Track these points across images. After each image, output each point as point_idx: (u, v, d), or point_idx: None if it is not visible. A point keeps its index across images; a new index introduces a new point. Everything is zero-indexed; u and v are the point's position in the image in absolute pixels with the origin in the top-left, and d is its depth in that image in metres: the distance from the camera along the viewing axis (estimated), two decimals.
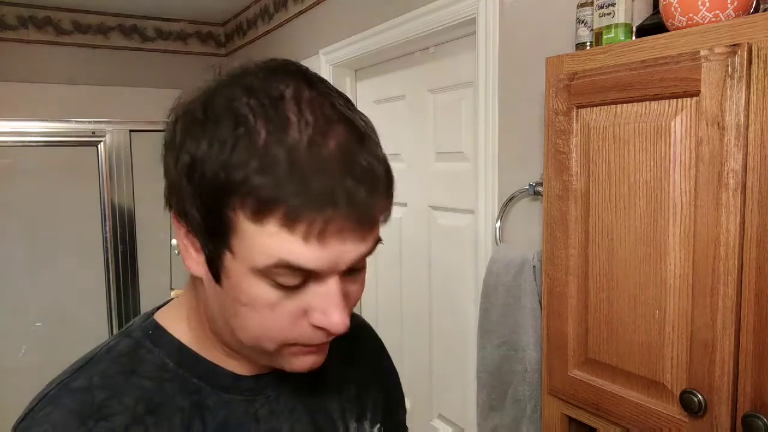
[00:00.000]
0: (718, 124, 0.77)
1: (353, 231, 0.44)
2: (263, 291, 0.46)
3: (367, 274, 0.52)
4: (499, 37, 1.44)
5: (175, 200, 0.47)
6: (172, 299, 0.59)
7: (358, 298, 0.51)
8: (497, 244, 1.46)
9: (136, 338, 0.54)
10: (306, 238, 0.43)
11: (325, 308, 0.47)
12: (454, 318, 1.80)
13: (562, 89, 0.98)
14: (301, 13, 2.49)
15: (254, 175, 0.41)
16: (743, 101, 0.75)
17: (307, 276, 0.45)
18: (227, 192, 0.42)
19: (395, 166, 0.47)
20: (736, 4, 0.83)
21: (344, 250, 0.45)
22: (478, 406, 1.45)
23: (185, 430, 0.51)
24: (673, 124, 0.83)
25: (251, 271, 0.45)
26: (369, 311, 2.27)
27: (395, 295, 2.12)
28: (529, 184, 1.34)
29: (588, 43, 1.09)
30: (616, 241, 0.92)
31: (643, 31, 0.97)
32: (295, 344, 0.50)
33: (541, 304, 1.19)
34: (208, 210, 0.44)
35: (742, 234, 0.76)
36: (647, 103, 0.86)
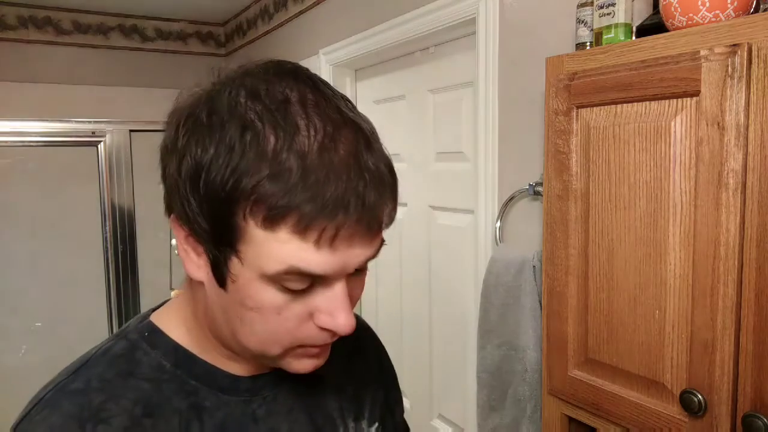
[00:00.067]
0: (718, 124, 0.77)
1: (362, 235, 0.44)
2: (270, 295, 0.46)
3: (367, 274, 0.52)
4: (499, 37, 1.44)
5: (176, 205, 0.47)
6: (167, 300, 0.59)
7: (359, 298, 0.52)
8: (497, 244, 1.46)
9: (133, 340, 0.54)
10: (318, 244, 0.43)
11: (331, 311, 0.47)
12: (454, 318, 1.80)
13: (562, 89, 0.98)
14: (301, 13, 2.49)
15: (265, 182, 0.41)
16: (743, 101, 0.75)
17: (315, 280, 0.46)
18: (237, 199, 0.42)
19: (395, 167, 0.48)
20: (736, 4, 0.83)
21: (353, 254, 0.45)
22: (478, 406, 1.45)
23: (183, 431, 0.51)
24: (673, 124, 0.83)
25: (260, 277, 0.45)
26: (369, 311, 2.27)
27: (395, 295, 2.12)
28: (529, 184, 1.34)
29: (588, 43, 1.09)
30: (616, 241, 0.92)
31: (643, 31, 0.97)
32: (299, 346, 0.50)
33: (541, 304, 1.19)
34: (215, 216, 0.44)
35: (742, 234, 0.76)
36: (647, 103, 0.86)
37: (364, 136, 0.45)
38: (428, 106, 1.88)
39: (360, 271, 0.49)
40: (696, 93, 0.79)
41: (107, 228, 2.13)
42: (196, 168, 0.43)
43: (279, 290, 0.45)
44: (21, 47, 2.94)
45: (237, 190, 0.42)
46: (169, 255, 2.15)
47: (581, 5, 1.10)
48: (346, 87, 2.27)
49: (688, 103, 0.81)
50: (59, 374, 0.52)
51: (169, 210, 0.49)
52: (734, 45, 0.75)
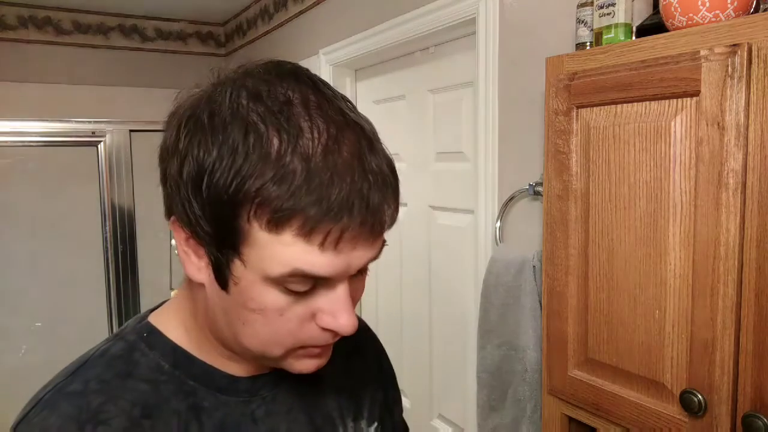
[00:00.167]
0: (718, 124, 0.77)
1: (366, 237, 0.45)
2: (273, 297, 0.46)
3: (367, 275, 0.52)
4: (499, 37, 1.44)
5: (177, 208, 0.46)
6: (165, 301, 0.59)
7: (360, 298, 0.52)
8: (497, 244, 1.46)
9: (131, 341, 0.54)
10: (322, 247, 0.43)
11: (334, 311, 0.47)
12: (454, 318, 1.80)
13: (562, 89, 0.98)
14: (301, 13, 2.49)
15: (270, 184, 0.41)
16: (743, 101, 0.75)
17: (317, 281, 0.46)
18: (240, 201, 0.42)
19: (395, 167, 0.48)
20: (736, 4, 0.83)
21: (356, 255, 0.45)
22: (478, 406, 1.45)
23: None
24: (673, 124, 0.83)
25: (263, 279, 0.45)
26: (369, 311, 2.27)
27: (395, 295, 2.12)
28: (529, 184, 1.34)
29: (588, 43, 1.09)
30: (616, 241, 0.92)
31: (643, 31, 0.97)
32: (301, 347, 0.50)
33: (541, 304, 1.19)
34: (218, 219, 0.43)
35: (742, 234, 0.76)
36: (647, 103, 0.86)
37: (366, 138, 0.45)
38: (428, 106, 1.88)
39: (361, 271, 0.49)
40: (696, 93, 0.79)
41: (107, 228, 2.13)
42: (198, 170, 0.43)
43: (282, 292, 0.45)
44: (21, 47, 2.94)
45: (241, 193, 0.42)
46: (169, 255, 2.15)
47: (581, 5, 1.10)
48: (346, 87, 2.27)
49: (688, 103, 0.81)
50: (57, 375, 0.52)
51: (169, 212, 0.49)
52: (734, 45, 0.75)
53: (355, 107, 0.48)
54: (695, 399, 0.82)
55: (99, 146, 2.11)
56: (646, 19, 1.02)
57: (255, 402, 0.56)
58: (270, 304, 0.46)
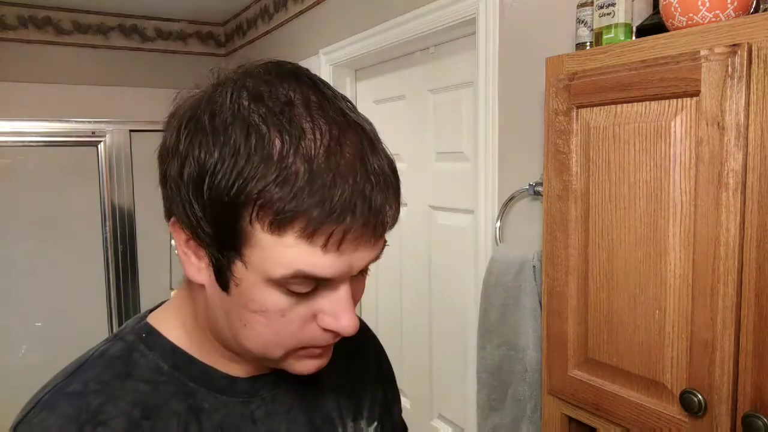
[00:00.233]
0: (718, 124, 0.77)
1: (368, 238, 0.45)
2: (275, 299, 0.46)
3: (368, 275, 0.52)
4: (499, 37, 1.44)
5: (178, 209, 0.46)
6: (164, 302, 0.59)
7: (361, 297, 0.52)
8: (497, 244, 1.46)
9: (130, 341, 0.54)
10: (325, 248, 0.43)
11: (335, 312, 0.47)
12: (454, 318, 1.80)
13: (562, 89, 0.98)
14: (301, 13, 2.49)
15: (272, 186, 0.41)
16: (743, 101, 0.75)
17: (319, 282, 0.46)
18: (242, 203, 0.42)
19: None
20: (736, 4, 0.83)
21: (358, 256, 0.45)
22: (478, 406, 1.45)
23: None
24: (673, 124, 0.83)
25: (265, 280, 0.45)
26: (369, 311, 2.27)
27: (395, 295, 2.12)
28: (529, 184, 1.34)
29: (588, 43, 1.09)
30: (616, 241, 0.92)
31: (643, 31, 0.97)
32: (302, 348, 0.50)
33: (541, 304, 1.19)
34: (220, 220, 0.43)
35: (742, 234, 0.76)
36: (647, 103, 0.86)
37: (368, 138, 0.45)
38: (428, 106, 1.88)
39: (362, 272, 0.49)
40: (696, 93, 0.79)
41: (107, 228, 2.13)
42: (199, 171, 0.43)
43: (283, 293, 0.45)
44: (21, 47, 2.94)
45: (243, 195, 0.42)
46: (169, 255, 2.15)
47: (581, 5, 1.10)
48: (346, 87, 2.27)
49: (688, 103, 0.81)
50: (56, 376, 0.52)
51: (169, 213, 0.48)
52: (734, 45, 0.75)
53: (355, 107, 0.48)
54: (695, 399, 0.82)
55: (99, 146, 2.11)
56: (646, 19, 1.02)
57: (254, 403, 0.56)
58: (271, 305, 0.46)
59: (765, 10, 0.85)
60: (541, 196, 1.13)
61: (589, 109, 0.95)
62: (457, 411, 1.83)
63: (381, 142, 0.47)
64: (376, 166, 0.44)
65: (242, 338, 0.49)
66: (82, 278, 2.19)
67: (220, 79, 0.48)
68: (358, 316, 0.49)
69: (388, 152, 0.47)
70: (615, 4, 1.00)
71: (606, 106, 0.92)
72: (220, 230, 0.44)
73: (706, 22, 0.84)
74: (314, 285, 0.46)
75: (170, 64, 3.32)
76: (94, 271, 2.16)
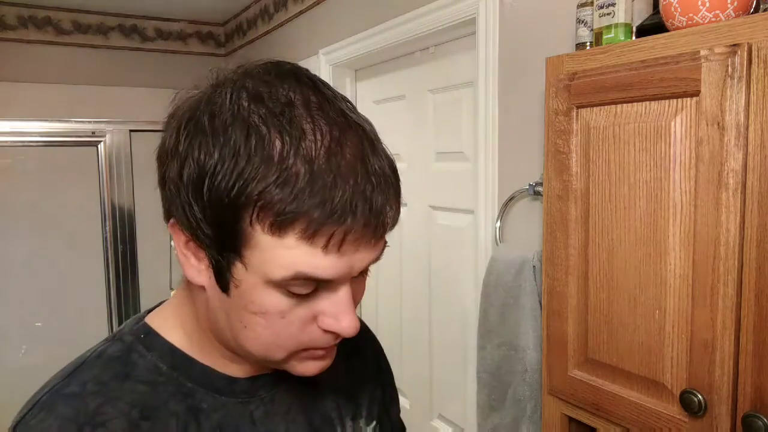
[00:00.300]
0: (718, 124, 0.77)
1: (368, 239, 0.45)
2: (275, 300, 0.46)
3: (368, 275, 0.52)
4: (499, 37, 1.44)
5: (177, 210, 0.46)
6: (162, 302, 0.59)
7: (361, 298, 0.52)
8: (497, 244, 1.46)
9: (128, 342, 0.53)
10: (326, 249, 0.43)
11: (336, 314, 0.47)
12: (454, 318, 1.80)
13: (562, 89, 0.98)
14: (301, 13, 2.49)
15: (272, 187, 0.41)
16: (743, 101, 0.75)
17: (320, 283, 0.46)
18: (243, 204, 0.42)
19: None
20: (736, 4, 0.83)
21: (359, 258, 0.45)
22: (478, 406, 1.45)
23: None
24: (673, 124, 0.83)
25: (265, 282, 0.44)
26: (369, 311, 2.27)
27: (395, 295, 2.12)
28: (529, 184, 1.34)
29: (588, 43, 1.09)
30: (616, 241, 0.92)
31: (643, 31, 0.97)
32: (303, 350, 0.50)
33: (541, 304, 1.19)
34: (220, 222, 0.43)
35: (742, 234, 0.76)
36: (647, 103, 0.86)
37: (368, 139, 0.45)
38: (428, 106, 1.88)
39: (362, 273, 0.49)
40: (696, 93, 0.79)
41: (107, 228, 2.13)
42: (199, 173, 0.43)
43: (284, 294, 0.45)
44: (21, 47, 2.94)
45: (243, 196, 0.41)
46: (169, 255, 2.15)
47: (581, 5, 1.10)
48: (346, 87, 2.27)
49: (688, 103, 0.81)
50: (53, 377, 0.52)
51: (168, 215, 0.48)
52: (734, 45, 0.75)
53: (355, 108, 0.48)
54: (695, 399, 0.82)
55: (99, 146, 2.11)
56: (646, 19, 1.02)
57: (253, 403, 0.56)
58: (271, 306, 0.46)
59: (765, 10, 0.85)
60: (541, 196, 1.13)
61: (589, 109, 0.95)
62: (457, 411, 1.83)
63: (381, 143, 0.47)
64: (376, 166, 0.44)
65: (242, 340, 0.49)
66: (82, 278, 2.19)
67: (219, 79, 0.47)
68: (357, 317, 0.49)
69: (389, 153, 0.47)
70: (615, 4, 1.00)
71: (606, 106, 0.92)
72: (220, 232, 0.44)
73: (706, 22, 0.84)
74: (315, 286, 0.45)
75: (170, 64, 3.32)
76: (94, 271, 2.16)
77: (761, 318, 0.75)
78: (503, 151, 1.46)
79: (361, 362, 0.69)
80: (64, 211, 2.18)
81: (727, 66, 0.76)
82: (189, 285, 0.53)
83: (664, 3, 0.88)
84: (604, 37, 1.02)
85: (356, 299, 0.50)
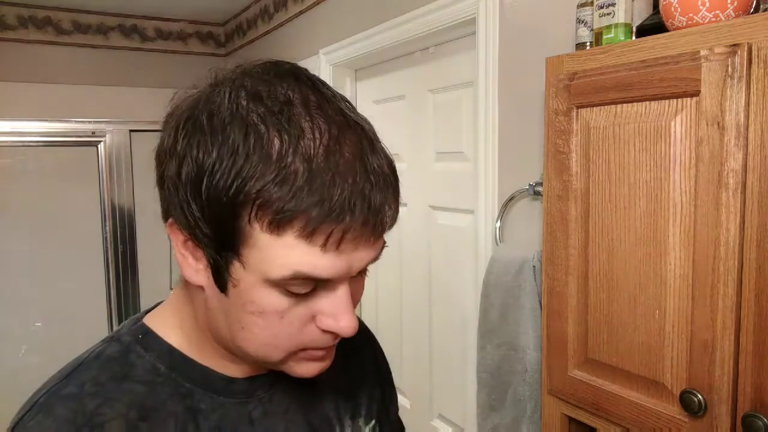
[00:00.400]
0: (718, 124, 0.77)
1: (367, 238, 0.44)
2: (273, 299, 0.45)
3: (367, 275, 0.52)
4: (499, 37, 1.44)
5: (175, 210, 0.46)
6: (161, 302, 0.59)
7: (360, 298, 0.52)
8: (497, 244, 1.46)
9: (126, 343, 0.53)
10: (324, 248, 0.42)
11: (335, 313, 0.47)
12: (454, 318, 1.80)
13: (562, 89, 0.98)
14: (301, 13, 2.49)
15: (271, 186, 0.41)
16: (743, 101, 0.75)
17: (318, 283, 0.45)
18: (241, 203, 0.42)
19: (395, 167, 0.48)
20: (736, 4, 0.82)
21: (358, 257, 0.45)
22: (478, 406, 1.45)
23: None
24: (673, 124, 0.83)
25: (263, 281, 0.44)
26: (369, 311, 2.27)
27: (395, 295, 2.12)
28: (529, 184, 1.34)
29: (588, 43, 1.09)
30: (616, 241, 0.92)
31: (643, 31, 0.97)
32: (302, 350, 0.49)
33: (541, 304, 1.19)
34: (218, 220, 0.43)
35: (742, 234, 0.76)
36: (647, 103, 0.86)
37: (367, 138, 0.45)
38: (428, 106, 1.88)
39: (361, 273, 0.49)
40: (696, 93, 0.79)
41: (107, 228, 2.13)
42: (197, 171, 0.43)
43: (282, 294, 0.45)
44: (21, 47, 2.94)
45: (241, 194, 0.41)
46: (169, 255, 2.14)
47: (581, 5, 1.10)
48: (346, 87, 2.27)
49: (688, 103, 0.81)
50: (51, 378, 0.52)
51: (166, 215, 0.48)
52: (734, 45, 0.75)
53: (354, 107, 0.48)
54: (695, 399, 0.82)
55: (99, 146, 2.11)
56: (646, 19, 1.02)
57: (252, 403, 0.56)
58: (269, 306, 0.46)
59: (765, 10, 0.85)
60: (541, 196, 1.13)
61: (589, 109, 0.95)
62: (457, 411, 1.83)
63: (380, 142, 0.47)
64: (375, 165, 0.44)
65: (240, 340, 0.49)
66: (82, 278, 2.19)
67: (218, 78, 0.47)
68: (356, 316, 0.49)
69: (388, 152, 0.47)
70: (615, 4, 1.00)
71: (606, 106, 0.92)
72: (218, 230, 0.44)
73: (706, 22, 0.84)
74: (313, 286, 0.45)
75: (170, 64, 3.32)
76: (94, 271, 2.16)
77: (761, 318, 0.75)
78: (503, 151, 1.46)
79: (359, 361, 0.69)
80: (64, 211, 2.18)
81: (727, 66, 0.75)
82: (187, 285, 0.53)
83: (664, 3, 0.88)
84: (604, 37, 1.02)
85: (355, 299, 0.50)
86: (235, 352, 0.52)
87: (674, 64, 0.82)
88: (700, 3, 0.84)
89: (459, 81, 1.72)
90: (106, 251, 2.14)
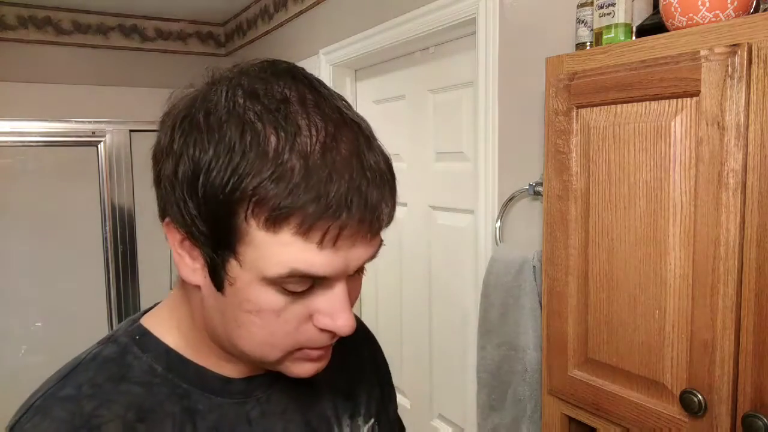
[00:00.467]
0: (718, 124, 0.77)
1: (364, 235, 0.44)
2: (270, 298, 0.45)
3: (367, 274, 0.52)
4: (499, 37, 1.44)
5: (172, 209, 0.46)
6: (158, 303, 0.59)
7: (357, 298, 0.51)
8: (497, 244, 1.46)
9: (123, 344, 0.53)
10: (321, 245, 0.42)
11: (332, 312, 0.47)
12: (454, 318, 1.80)
13: (562, 89, 0.98)
14: (301, 13, 2.49)
15: (268, 182, 0.41)
16: (743, 101, 0.75)
17: (315, 281, 0.45)
18: (237, 200, 0.42)
19: (395, 166, 0.48)
20: (736, 4, 0.83)
21: (355, 254, 0.45)
22: (478, 406, 1.45)
23: None
24: (673, 124, 0.83)
25: (260, 279, 0.44)
26: (369, 311, 2.27)
27: (395, 295, 2.12)
28: (529, 184, 1.34)
29: (588, 43, 1.09)
30: (616, 241, 0.92)
31: (643, 31, 0.97)
32: (299, 349, 0.49)
33: (541, 304, 1.19)
34: (215, 218, 0.43)
35: (742, 234, 0.76)
36: (647, 103, 0.86)
37: (364, 135, 0.45)
38: (428, 106, 1.88)
39: (358, 271, 0.49)
40: (696, 93, 0.79)
41: (107, 228, 2.13)
42: (194, 169, 0.43)
43: (279, 292, 0.45)
44: (21, 47, 2.94)
45: (238, 191, 0.41)
46: (169, 255, 2.14)
47: (581, 5, 1.10)
48: (346, 87, 2.27)
49: (688, 103, 0.81)
50: (48, 380, 0.51)
51: (163, 214, 0.48)
52: (734, 45, 0.75)
53: (350, 105, 0.48)
54: (695, 399, 0.82)
55: (99, 146, 2.11)
56: (646, 19, 1.02)
57: (249, 403, 0.56)
58: (266, 304, 0.45)
59: (765, 10, 0.85)
60: (541, 196, 1.13)
61: (589, 109, 0.95)
62: (457, 411, 1.83)
63: (377, 140, 0.47)
64: (372, 162, 0.44)
65: (236, 339, 0.49)
66: (82, 278, 2.19)
67: (215, 77, 0.47)
68: (355, 315, 0.49)
69: (384, 150, 0.47)
70: (615, 4, 1.00)
71: (606, 106, 0.92)
72: (214, 228, 0.44)
73: (706, 22, 0.84)
74: (310, 284, 0.45)
75: (170, 64, 3.32)
76: (94, 271, 2.16)
77: (761, 318, 0.75)
78: (503, 151, 1.46)
79: (358, 361, 0.69)
80: (64, 211, 2.18)
81: (727, 66, 0.76)
82: (184, 285, 0.53)
83: (664, 3, 0.88)
84: (604, 37, 1.02)
85: (352, 298, 0.49)
86: (232, 352, 0.52)
87: (674, 64, 0.82)
88: (700, 3, 0.84)
89: (459, 81, 1.72)
90: (106, 251, 2.14)
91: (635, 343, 0.90)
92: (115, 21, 3.18)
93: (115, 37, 3.19)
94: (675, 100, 0.82)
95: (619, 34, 1.00)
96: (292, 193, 0.41)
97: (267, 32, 2.87)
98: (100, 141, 2.10)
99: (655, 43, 0.87)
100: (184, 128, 0.45)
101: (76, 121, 2.12)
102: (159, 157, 0.47)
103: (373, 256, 0.47)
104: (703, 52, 0.78)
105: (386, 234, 0.47)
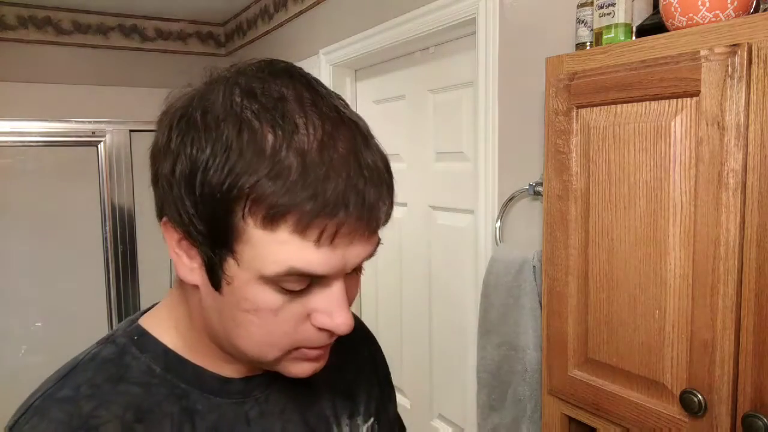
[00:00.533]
0: (718, 124, 0.77)
1: (361, 233, 0.44)
2: (268, 297, 0.45)
3: (367, 274, 0.52)
4: (499, 37, 1.44)
5: (170, 208, 0.46)
6: (156, 303, 0.59)
7: (355, 297, 0.51)
8: (497, 244, 1.46)
9: (121, 344, 0.53)
10: (318, 243, 0.42)
11: (330, 310, 0.47)
12: (454, 318, 1.80)
13: (562, 89, 0.98)
14: (301, 13, 2.49)
15: (264, 180, 0.41)
16: (743, 101, 0.75)
17: (313, 279, 0.45)
18: (234, 198, 0.42)
19: (395, 166, 0.48)
20: (736, 4, 0.82)
21: (352, 253, 0.45)
22: (478, 406, 1.45)
23: None
24: (673, 124, 0.83)
25: (257, 278, 0.44)
26: (369, 311, 2.27)
27: (395, 295, 2.12)
28: (529, 184, 1.34)
29: (588, 43, 1.09)
30: (616, 241, 0.92)
31: (643, 31, 0.97)
32: (297, 348, 0.49)
33: (541, 304, 1.19)
34: (212, 217, 0.43)
35: (742, 234, 0.76)
36: (647, 103, 0.86)
37: (361, 134, 0.45)
38: (428, 106, 1.88)
39: (356, 270, 0.49)
40: (696, 93, 0.79)
41: (107, 228, 2.13)
42: (191, 168, 0.43)
43: (276, 291, 0.45)
44: (21, 47, 2.94)
45: (235, 189, 0.41)
46: (169, 255, 2.14)
47: (581, 5, 1.10)
48: (345, 87, 2.27)
49: (688, 103, 0.81)
50: (46, 381, 0.51)
51: (161, 213, 0.48)
52: (734, 45, 0.75)
53: (348, 105, 0.48)
54: (695, 399, 0.82)
55: (99, 146, 2.11)
56: (646, 19, 1.02)
57: (248, 403, 0.56)
58: (264, 303, 0.45)
59: (765, 10, 0.85)
60: (541, 196, 1.13)
61: (589, 109, 0.95)
62: (457, 411, 1.83)
63: (374, 139, 0.47)
64: (369, 161, 0.44)
65: (234, 338, 0.49)
66: (82, 278, 2.19)
67: (212, 77, 0.47)
68: (354, 314, 0.49)
69: (382, 149, 0.47)
70: (615, 4, 1.00)
71: (606, 106, 0.92)
72: (212, 227, 0.44)
73: (706, 22, 0.84)
74: (308, 282, 0.45)
75: (170, 64, 3.32)
76: (94, 271, 2.16)
77: (761, 318, 0.75)
78: (503, 151, 1.46)
79: (357, 360, 0.69)
80: (64, 211, 2.18)
81: (727, 66, 0.76)
82: (182, 285, 0.53)
83: (664, 3, 0.88)
84: (604, 37, 1.02)
85: (350, 297, 0.49)
86: (230, 352, 0.52)
87: (674, 64, 0.82)
88: (700, 3, 0.84)
89: (459, 81, 1.72)
90: (106, 251, 2.14)
91: (635, 343, 0.90)
92: (115, 21, 3.18)
93: (115, 37, 3.19)
94: (675, 100, 0.82)
95: (619, 34, 1.00)
96: (289, 191, 0.41)
97: (267, 32, 2.87)
98: (100, 141, 2.10)
99: (655, 43, 0.87)
100: (182, 127, 0.45)
101: (76, 121, 2.12)
102: (156, 156, 0.47)
103: (371, 255, 0.47)
104: (703, 52, 0.78)
105: (386, 234, 0.47)
